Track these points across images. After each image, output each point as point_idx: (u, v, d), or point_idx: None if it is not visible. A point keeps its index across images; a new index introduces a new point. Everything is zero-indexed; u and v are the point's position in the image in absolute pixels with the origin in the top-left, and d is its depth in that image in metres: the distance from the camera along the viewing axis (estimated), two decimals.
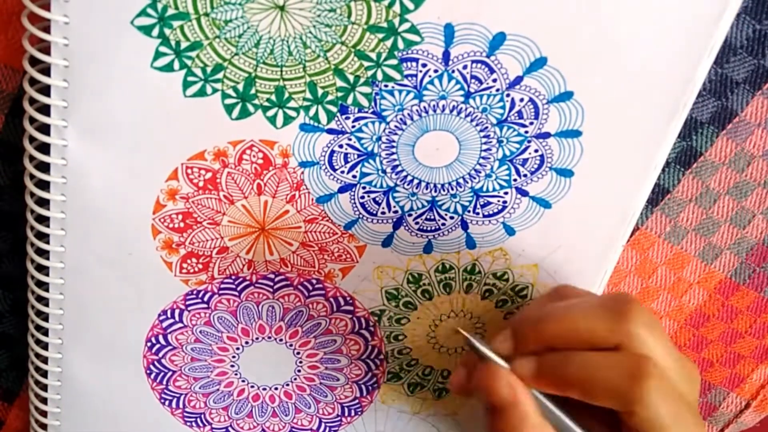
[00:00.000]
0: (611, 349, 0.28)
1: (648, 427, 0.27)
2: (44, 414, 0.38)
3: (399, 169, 0.32)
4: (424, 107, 0.30)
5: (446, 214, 0.33)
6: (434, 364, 0.38)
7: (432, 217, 0.33)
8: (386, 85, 0.29)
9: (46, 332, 0.35)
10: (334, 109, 0.30)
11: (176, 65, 0.28)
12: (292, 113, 0.30)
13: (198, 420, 0.39)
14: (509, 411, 0.28)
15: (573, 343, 0.28)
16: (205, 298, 0.35)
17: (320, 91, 0.29)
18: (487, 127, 0.31)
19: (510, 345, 0.29)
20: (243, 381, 0.38)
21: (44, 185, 0.31)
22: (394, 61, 0.29)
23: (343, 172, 0.31)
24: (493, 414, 0.29)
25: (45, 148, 0.30)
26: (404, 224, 0.33)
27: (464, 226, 0.33)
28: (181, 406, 0.38)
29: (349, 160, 0.31)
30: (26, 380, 0.39)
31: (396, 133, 0.31)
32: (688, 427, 0.27)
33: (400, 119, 0.30)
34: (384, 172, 0.32)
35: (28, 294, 0.34)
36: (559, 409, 0.29)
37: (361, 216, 0.33)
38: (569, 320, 0.28)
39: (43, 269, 0.33)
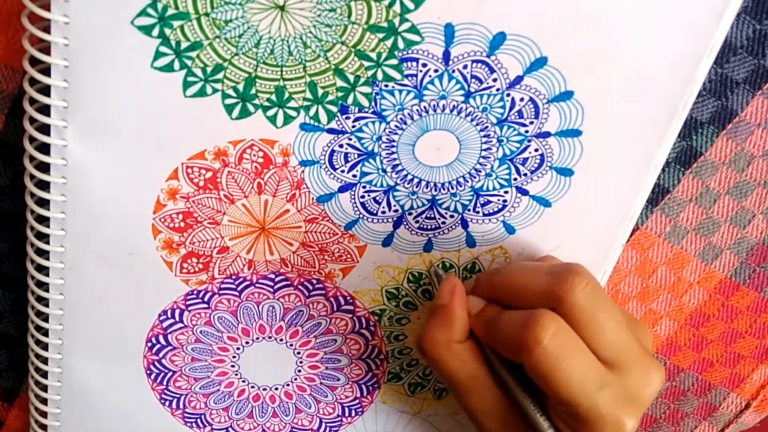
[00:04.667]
0: None
1: (539, 378, 0.28)
2: (44, 414, 0.38)
3: (399, 168, 0.32)
4: (425, 107, 0.30)
5: (446, 213, 0.33)
6: None
7: (432, 216, 0.33)
8: (386, 85, 0.29)
9: (46, 332, 0.35)
10: (334, 109, 0.30)
11: (176, 65, 0.28)
12: (293, 113, 0.30)
13: (198, 420, 0.39)
14: (440, 310, 0.31)
15: (511, 298, 0.30)
16: (206, 298, 0.35)
17: (320, 91, 0.29)
18: (487, 127, 0.31)
19: (471, 284, 0.32)
20: (243, 381, 0.38)
21: (44, 185, 0.31)
22: (394, 61, 0.29)
23: (343, 171, 0.31)
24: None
25: (45, 148, 0.30)
26: (404, 223, 0.33)
27: (464, 224, 0.33)
28: (181, 406, 0.38)
29: (349, 159, 0.31)
30: (26, 380, 0.39)
31: (396, 133, 0.31)
32: (591, 383, 0.27)
33: (401, 119, 0.30)
34: (384, 171, 0.32)
35: (28, 294, 0.34)
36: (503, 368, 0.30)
37: (361, 216, 0.33)
38: (511, 275, 0.30)
39: (43, 269, 0.33)
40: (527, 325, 0.27)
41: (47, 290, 0.33)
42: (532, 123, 0.31)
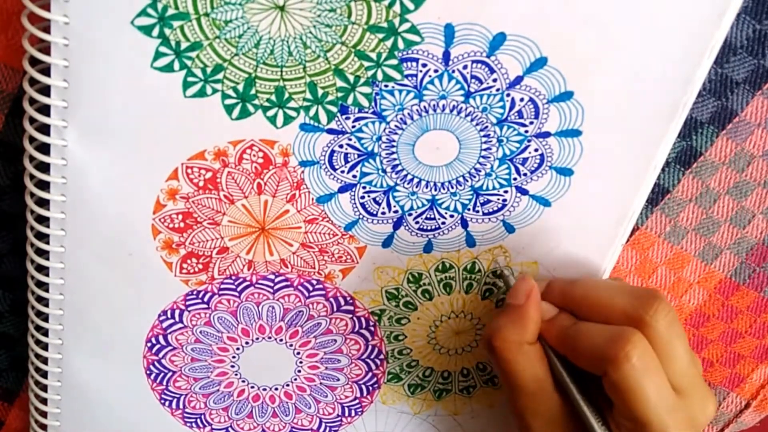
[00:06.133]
0: None
1: (619, 392, 0.28)
2: (44, 414, 0.38)
3: (399, 168, 0.32)
4: (425, 107, 0.30)
5: (446, 213, 0.33)
6: (435, 365, 0.38)
7: (432, 216, 0.33)
8: (386, 85, 0.29)
9: (46, 332, 0.35)
10: (334, 109, 0.30)
11: (176, 65, 0.28)
12: (293, 113, 0.30)
13: (198, 420, 0.39)
14: (514, 310, 0.31)
15: (590, 311, 0.31)
16: (205, 299, 0.35)
17: (320, 92, 0.29)
18: (487, 127, 0.31)
19: (541, 287, 0.32)
20: (243, 381, 0.38)
21: (44, 185, 0.31)
22: (394, 61, 0.29)
23: (343, 171, 0.31)
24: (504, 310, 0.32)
25: (45, 148, 0.30)
26: (404, 224, 0.33)
27: (464, 224, 0.33)
28: (181, 406, 0.38)
29: (349, 159, 0.31)
30: (26, 380, 0.39)
31: (396, 133, 0.31)
32: (664, 406, 0.28)
33: (401, 119, 0.30)
34: (384, 171, 0.32)
35: (28, 294, 0.34)
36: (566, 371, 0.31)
37: (361, 216, 0.33)
38: (595, 291, 0.31)
39: (43, 269, 0.33)
40: (617, 341, 0.28)
41: (47, 290, 0.33)
42: (532, 123, 0.31)
